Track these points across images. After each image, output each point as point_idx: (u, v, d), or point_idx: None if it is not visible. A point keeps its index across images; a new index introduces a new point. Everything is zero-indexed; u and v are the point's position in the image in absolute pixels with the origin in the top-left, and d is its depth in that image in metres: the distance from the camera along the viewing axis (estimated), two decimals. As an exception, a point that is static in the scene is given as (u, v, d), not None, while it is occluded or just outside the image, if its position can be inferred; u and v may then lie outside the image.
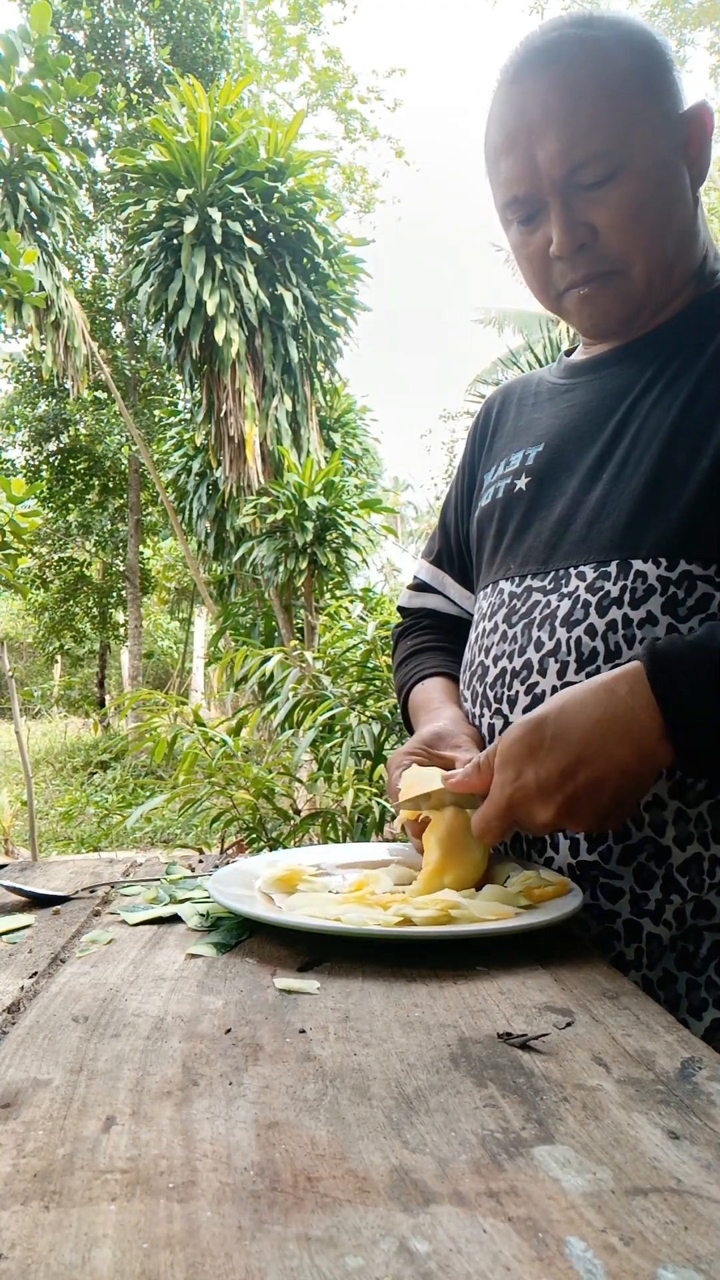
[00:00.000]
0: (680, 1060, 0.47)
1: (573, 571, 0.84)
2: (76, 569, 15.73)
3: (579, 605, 0.81)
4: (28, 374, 13.63)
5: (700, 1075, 0.46)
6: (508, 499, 0.96)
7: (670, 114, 0.82)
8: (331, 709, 2.96)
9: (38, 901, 0.83)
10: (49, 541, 14.94)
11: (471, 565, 1.07)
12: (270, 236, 7.78)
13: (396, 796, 0.84)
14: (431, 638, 1.14)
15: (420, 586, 1.18)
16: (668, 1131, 0.40)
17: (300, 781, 3.37)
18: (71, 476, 14.42)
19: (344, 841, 2.96)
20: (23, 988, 0.60)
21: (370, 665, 3.37)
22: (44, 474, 13.98)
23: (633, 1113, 0.42)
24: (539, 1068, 0.46)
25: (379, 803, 2.86)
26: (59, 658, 18.66)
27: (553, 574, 0.86)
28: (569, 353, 1.03)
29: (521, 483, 0.94)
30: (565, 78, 0.79)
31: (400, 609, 1.22)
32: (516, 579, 0.90)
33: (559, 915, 0.67)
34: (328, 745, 3.06)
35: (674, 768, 0.70)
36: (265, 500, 7.19)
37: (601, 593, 0.80)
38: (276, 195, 7.54)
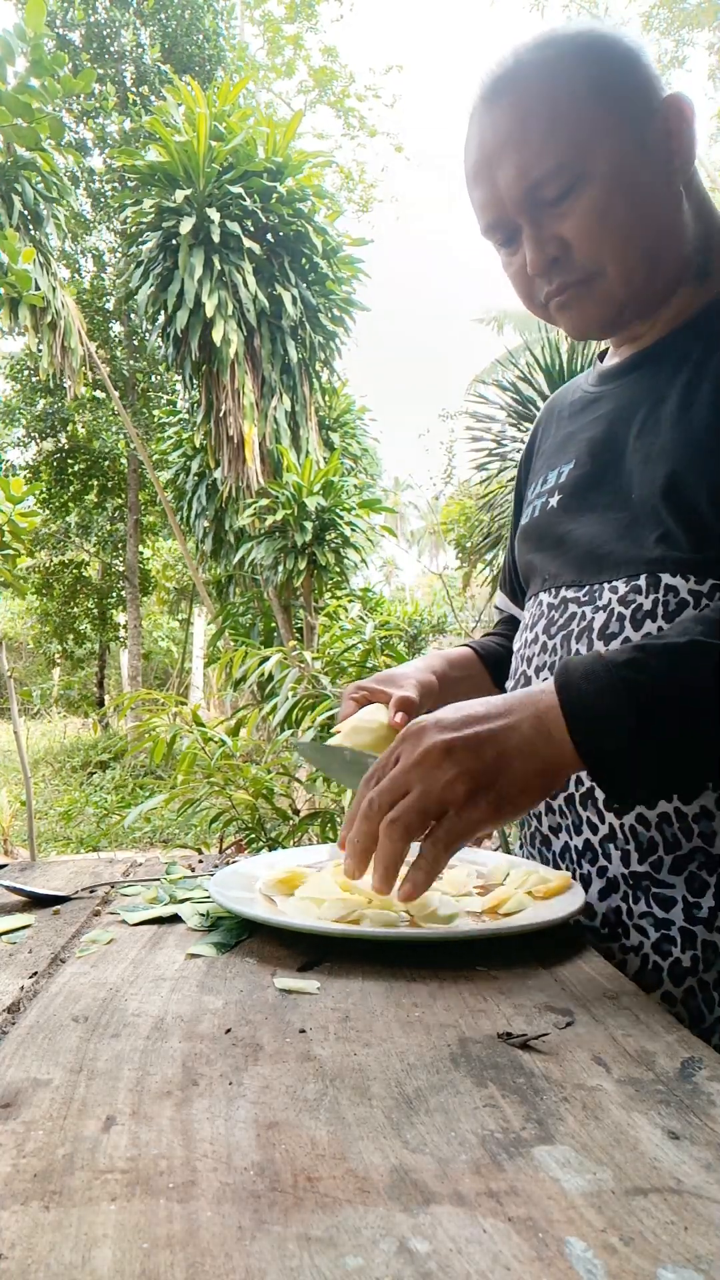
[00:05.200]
0: (680, 1060, 0.47)
1: (605, 586, 0.85)
2: (76, 571, 15.72)
3: (614, 618, 0.82)
4: (25, 373, 13.61)
5: (700, 1075, 0.46)
6: (543, 516, 0.99)
7: (635, 115, 0.82)
8: (331, 709, 2.95)
9: (38, 901, 0.83)
10: (49, 544, 14.92)
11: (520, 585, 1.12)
12: (269, 236, 7.78)
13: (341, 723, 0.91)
14: (499, 628, 1.21)
15: (500, 612, 1.24)
16: (668, 1131, 0.40)
17: (299, 781, 3.36)
18: (70, 477, 14.40)
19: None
20: (23, 988, 0.60)
21: (369, 665, 3.37)
22: (43, 474, 13.96)
23: (633, 1113, 0.42)
24: (539, 1068, 0.46)
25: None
26: (59, 659, 18.65)
27: (587, 587, 0.87)
28: (603, 355, 1.04)
29: (555, 500, 0.97)
30: (516, 104, 0.82)
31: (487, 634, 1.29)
32: (553, 590, 0.93)
33: (559, 915, 0.67)
34: (327, 745, 3.05)
35: (592, 779, 0.68)
36: (264, 501, 7.18)
37: (634, 605, 0.81)
38: (275, 195, 7.53)
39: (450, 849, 0.66)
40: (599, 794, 0.81)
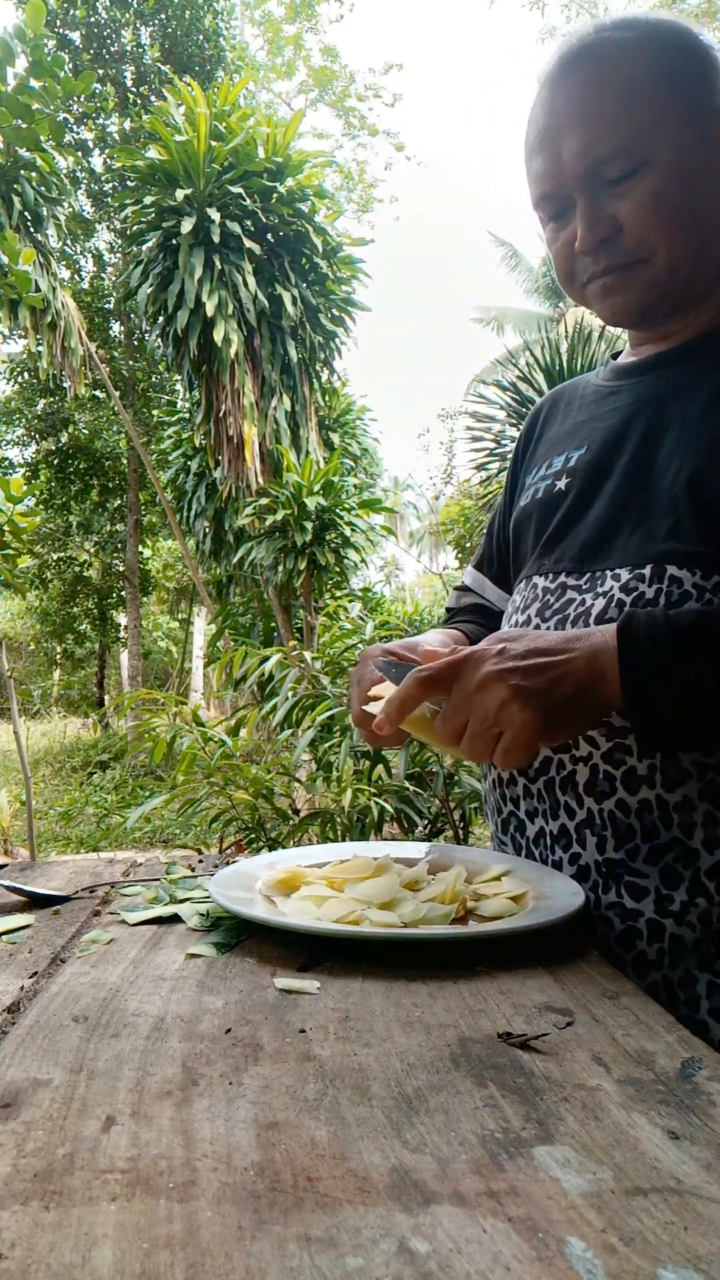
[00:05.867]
0: (680, 1060, 0.47)
1: (608, 573, 0.85)
2: (76, 570, 15.72)
3: (613, 605, 0.82)
4: (25, 374, 13.61)
5: (700, 1075, 0.46)
6: (547, 499, 0.97)
7: (703, 110, 0.83)
8: (330, 709, 2.95)
9: (38, 901, 0.83)
10: (49, 542, 14.91)
11: (510, 567, 1.10)
12: (269, 236, 7.77)
13: (360, 691, 0.90)
14: (472, 616, 1.19)
15: (464, 590, 1.22)
16: (668, 1131, 0.40)
17: (299, 781, 3.36)
18: (71, 476, 14.40)
19: (343, 841, 2.96)
20: (23, 988, 0.60)
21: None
22: (43, 474, 13.96)
23: (633, 1113, 0.42)
24: (539, 1068, 0.46)
25: (378, 802, 2.86)
26: (59, 659, 18.66)
27: (588, 574, 0.87)
28: (615, 355, 1.04)
29: (562, 484, 0.96)
30: (592, 78, 0.82)
31: (447, 609, 1.26)
32: (550, 575, 0.92)
33: (559, 915, 0.67)
34: (326, 745, 3.06)
35: (630, 723, 0.72)
36: (264, 501, 7.18)
37: (636, 594, 0.81)
38: (275, 195, 7.52)
39: (513, 762, 0.71)
40: (580, 778, 0.81)
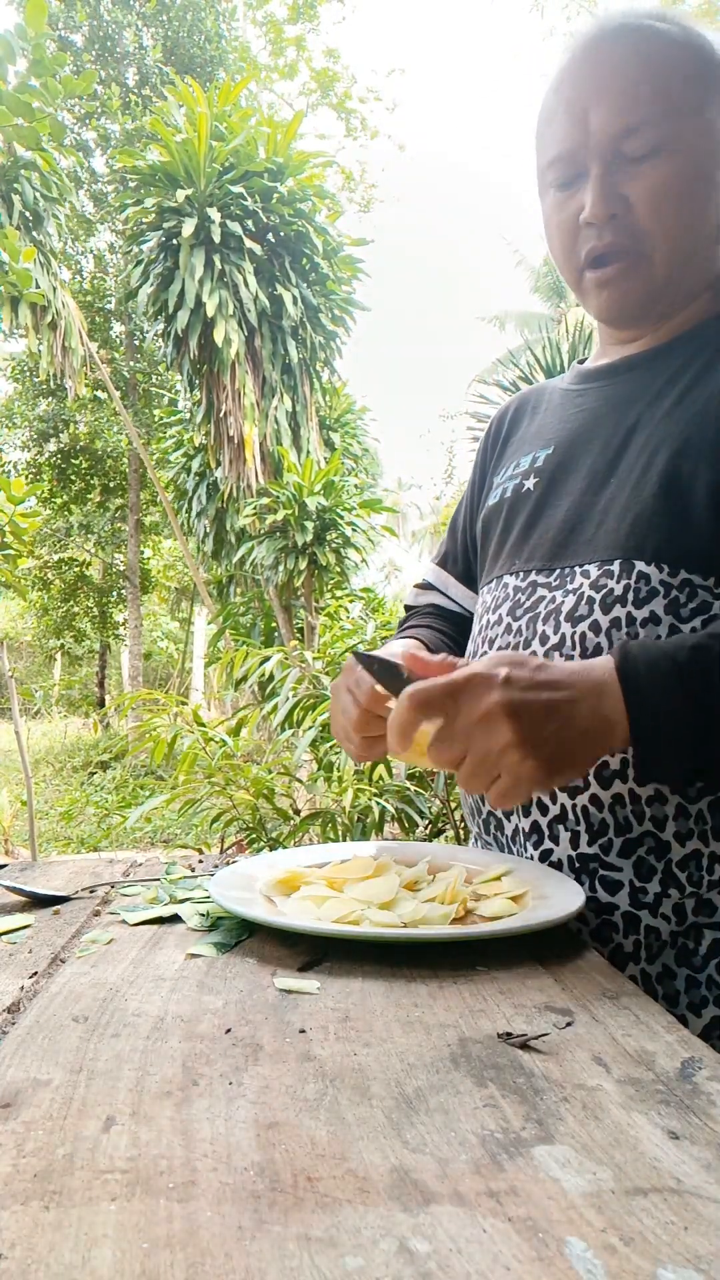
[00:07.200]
0: (680, 1060, 0.47)
1: (577, 569, 0.85)
2: (77, 569, 15.73)
3: (583, 601, 0.82)
4: (27, 374, 13.61)
5: (700, 1075, 0.46)
6: (515, 498, 0.98)
7: (717, 124, 0.84)
8: (331, 709, 2.95)
9: (38, 901, 0.83)
10: (50, 542, 14.92)
11: (476, 565, 1.10)
12: (269, 236, 7.77)
13: (353, 700, 0.84)
14: (429, 619, 1.17)
15: (425, 587, 1.21)
16: (668, 1131, 0.40)
17: (300, 781, 3.36)
18: (73, 476, 14.41)
19: (344, 841, 2.95)
20: (23, 988, 0.60)
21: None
22: (45, 475, 13.97)
23: (633, 1113, 0.42)
24: (539, 1068, 0.46)
25: (379, 802, 2.86)
26: (58, 657, 18.66)
27: (558, 571, 0.87)
28: (582, 361, 1.05)
29: (530, 483, 0.96)
30: (630, 54, 0.83)
31: (406, 607, 1.25)
32: (521, 574, 0.92)
33: (559, 915, 0.67)
34: (327, 745, 3.06)
35: (636, 765, 0.69)
36: (265, 500, 7.18)
37: (605, 590, 0.81)
38: (275, 195, 7.53)
39: (509, 804, 0.68)
40: None
